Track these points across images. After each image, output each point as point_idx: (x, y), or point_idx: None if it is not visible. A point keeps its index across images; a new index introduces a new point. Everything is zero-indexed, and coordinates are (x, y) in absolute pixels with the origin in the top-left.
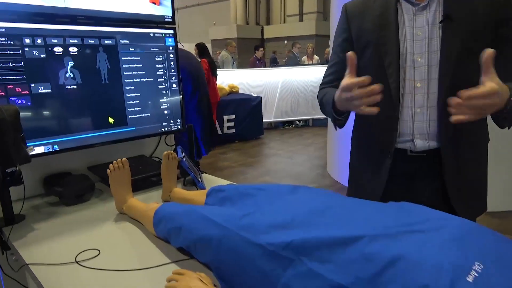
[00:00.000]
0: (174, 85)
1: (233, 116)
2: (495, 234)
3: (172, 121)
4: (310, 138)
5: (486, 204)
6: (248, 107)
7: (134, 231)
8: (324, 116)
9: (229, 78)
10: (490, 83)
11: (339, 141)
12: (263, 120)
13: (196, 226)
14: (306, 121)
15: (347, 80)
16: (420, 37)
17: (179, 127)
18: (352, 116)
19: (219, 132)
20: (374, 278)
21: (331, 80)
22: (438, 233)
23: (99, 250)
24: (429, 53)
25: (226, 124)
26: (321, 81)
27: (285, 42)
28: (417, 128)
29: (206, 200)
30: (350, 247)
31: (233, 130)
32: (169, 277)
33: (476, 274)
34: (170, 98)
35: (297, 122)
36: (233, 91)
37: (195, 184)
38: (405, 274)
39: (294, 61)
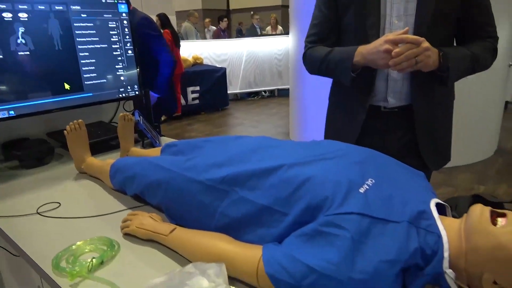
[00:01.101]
0: (130, 52)
1: (198, 88)
2: (389, 159)
3: (129, 87)
4: (275, 108)
5: (450, 155)
6: (212, 78)
7: (92, 186)
8: (288, 86)
9: (193, 50)
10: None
11: (301, 110)
12: (229, 92)
13: (147, 172)
14: (271, 91)
15: (399, 33)
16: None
17: (137, 92)
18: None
19: (183, 103)
20: (289, 196)
21: (315, 41)
22: (343, 159)
23: (59, 203)
24: (406, 16)
25: (190, 96)
26: (284, 52)
27: (251, 13)
28: (391, 86)
29: (160, 156)
30: (272, 175)
31: (197, 101)
32: (123, 218)
33: (367, 187)
34: (126, 64)
35: (263, 92)
36: (197, 63)
37: (153, 145)
38: (312, 190)
39: (254, 32)
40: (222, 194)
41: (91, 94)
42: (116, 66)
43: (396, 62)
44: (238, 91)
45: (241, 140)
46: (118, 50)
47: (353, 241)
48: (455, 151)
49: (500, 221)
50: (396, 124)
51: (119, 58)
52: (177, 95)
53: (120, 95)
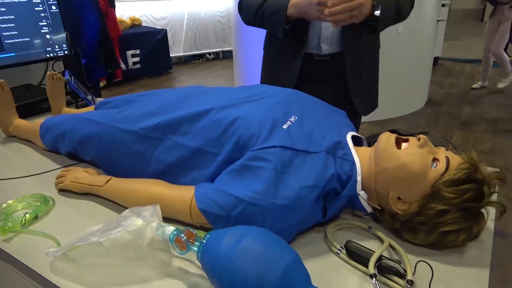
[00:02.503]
0: (54, 7)
1: (138, 51)
2: (312, 98)
3: (57, 46)
4: (220, 70)
5: (377, 102)
6: (153, 40)
7: (23, 148)
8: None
9: (130, 10)
10: None
11: (245, 71)
12: (172, 55)
13: (78, 127)
14: (216, 53)
15: None
16: None
17: (66, 52)
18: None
19: (123, 68)
20: (219, 137)
21: None
22: (268, 99)
23: None
24: None
25: (130, 60)
26: (226, 12)
27: None
28: (324, 33)
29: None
30: (203, 118)
31: (138, 66)
32: (57, 175)
33: (290, 123)
34: (50, 21)
35: (208, 55)
36: (135, 24)
37: (87, 105)
38: (240, 130)
39: None
40: (156, 142)
41: (13, 54)
42: (40, 23)
43: (331, 12)
44: (181, 54)
45: (173, 90)
46: (40, 5)
47: (276, 171)
48: (390, 104)
49: (404, 145)
50: (329, 71)
51: (42, 15)
52: (116, 59)
53: (48, 55)
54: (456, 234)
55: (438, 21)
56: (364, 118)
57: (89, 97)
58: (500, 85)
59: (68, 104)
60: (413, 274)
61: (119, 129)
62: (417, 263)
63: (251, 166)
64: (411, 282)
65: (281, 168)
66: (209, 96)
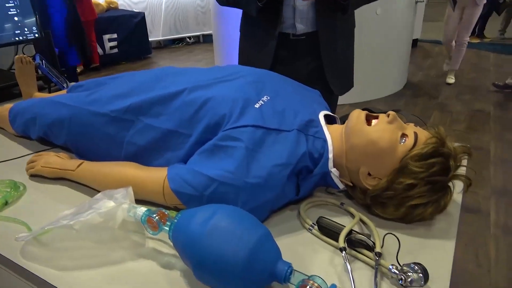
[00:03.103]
0: None
1: (115, 35)
2: (285, 78)
3: (26, 29)
4: (201, 54)
5: (353, 82)
6: (130, 24)
7: None
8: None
9: None
10: None
11: (226, 55)
12: (151, 39)
13: (48, 111)
14: (197, 37)
15: None
16: None
17: (36, 35)
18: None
19: (100, 52)
20: (191, 118)
21: None
22: (241, 79)
23: None
24: None
25: (108, 44)
26: None
27: None
28: (298, 12)
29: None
30: (175, 99)
31: (116, 50)
32: (28, 160)
33: (262, 103)
34: (18, 3)
35: (188, 39)
36: (111, 7)
37: (60, 90)
38: (212, 110)
39: None
40: (128, 124)
41: None
42: (7, 5)
43: None
44: (160, 38)
45: (145, 72)
46: None
47: (248, 150)
48: (370, 86)
49: (374, 122)
50: (304, 51)
51: None
52: (91, 44)
53: (17, 38)
54: (424, 207)
55: (416, 2)
56: (344, 100)
57: (63, 82)
58: (450, 81)
59: (41, 89)
60: (382, 247)
61: (90, 112)
62: (385, 235)
63: (223, 146)
64: (379, 254)
65: (253, 147)
66: (181, 77)
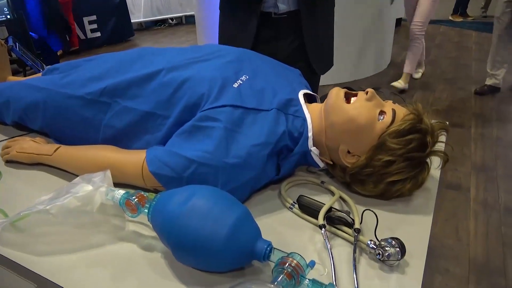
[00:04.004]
0: None
1: (94, 17)
2: (264, 58)
3: None
4: (184, 36)
5: (333, 61)
6: (110, 5)
7: None
8: None
9: None
10: None
11: (209, 35)
12: (132, 21)
13: (22, 95)
14: (179, 18)
15: None
16: None
17: (8, 17)
18: None
19: (82, 36)
20: (169, 99)
21: None
22: (219, 59)
23: None
24: None
25: (88, 27)
26: None
27: None
28: None
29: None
30: (152, 80)
31: (98, 34)
32: (3, 145)
33: (241, 82)
34: None
35: (170, 20)
36: None
37: (36, 73)
38: (189, 90)
39: None
40: (104, 107)
41: None
42: None
43: None
44: (142, 19)
45: (121, 53)
46: None
47: (226, 130)
48: (354, 66)
49: (353, 100)
50: (286, 30)
51: None
52: (70, 26)
53: None
54: (402, 183)
55: None
56: (328, 81)
57: (38, 65)
58: (416, 76)
59: (16, 73)
60: (361, 223)
61: (65, 95)
62: (363, 212)
63: (202, 127)
64: (358, 231)
65: (232, 127)
66: (157, 57)
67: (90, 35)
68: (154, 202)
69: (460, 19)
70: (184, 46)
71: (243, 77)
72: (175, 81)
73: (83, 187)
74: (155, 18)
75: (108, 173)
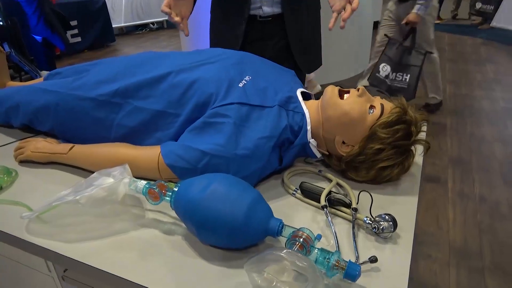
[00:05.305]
0: None
1: (75, 22)
2: (263, 60)
3: None
4: (166, 41)
5: (321, 61)
6: (91, 10)
7: None
8: None
9: None
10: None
11: (192, 39)
12: (113, 26)
13: (33, 98)
14: (160, 23)
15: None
16: None
17: (1, 23)
18: None
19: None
20: (179, 99)
21: None
22: (224, 61)
23: None
24: None
25: (69, 32)
26: None
27: None
28: None
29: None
30: (162, 82)
31: (79, 39)
32: (15, 147)
33: (245, 82)
34: None
35: (151, 25)
36: None
37: (33, 78)
38: (199, 90)
39: None
40: (116, 107)
41: None
42: None
43: None
44: (123, 24)
45: (127, 57)
46: None
47: (235, 125)
48: (337, 67)
49: (346, 96)
50: (271, 31)
51: None
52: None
53: None
54: (391, 169)
55: None
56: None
57: (34, 70)
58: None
59: (11, 78)
60: (357, 203)
61: (77, 97)
62: (359, 193)
63: (212, 122)
64: (355, 209)
65: (240, 122)
66: (164, 60)
67: (71, 40)
68: (176, 189)
69: (438, 22)
70: (167, 50)
71: (247, 77)
72: (185, 82)
73: (105, 180)
74: (136, 22)
75: (127, 167)
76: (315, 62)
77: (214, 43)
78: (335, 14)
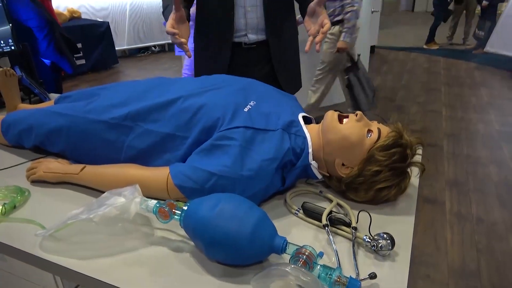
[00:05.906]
0: None
1: (80, 45)
2: (266, 86)
3: (2, 42)
4: (167, 63)
5: (301, 83)
6: (96, 33)
7: None
8: None
9: (67, 1)
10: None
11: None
12: (116, 48)
13: (45, 121)
14: (162, 46)
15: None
16: None
17: (13, 48)
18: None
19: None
20: (188, 122)
21: None
22: (229, 87)
23: None
24: None
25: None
26: None
27: None
28: (249, 24)
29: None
30: (172, 106)
31: (83, 61)
32: (28, 167)
33: (250, 107)
34: None
35: (153, 47)
36: (74, 17)
37: (42, 101)
38: (206, 114)
39: None
40: (127, 130)
41: None
42: None
43: None
44: (125, 47)
45: (137, 82)
46: None
47: (241, 147)
48: (335, 90)
49: (345, 120)
50: (256, 57)
51: None
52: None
53: None
54: (389, 190)
55: (372, 12)
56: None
57: (43, 93)
58: None
59: (21, 100)
60: (357, 223)
61: (89, 120)
62: (359, 213)
63: (219, 145)
64: (355, 228)
65: (245, 145)
66: (172, 86)
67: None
68: (185, 208)
69: (437, 47)
70: (168, 73)
71: (252, 102)
72: (193, 107)
73: (117, 199)
74: (138, 45)
75: (138, 187)
76: (297, 84)
77: (200, 71)
78: (310, 38)
